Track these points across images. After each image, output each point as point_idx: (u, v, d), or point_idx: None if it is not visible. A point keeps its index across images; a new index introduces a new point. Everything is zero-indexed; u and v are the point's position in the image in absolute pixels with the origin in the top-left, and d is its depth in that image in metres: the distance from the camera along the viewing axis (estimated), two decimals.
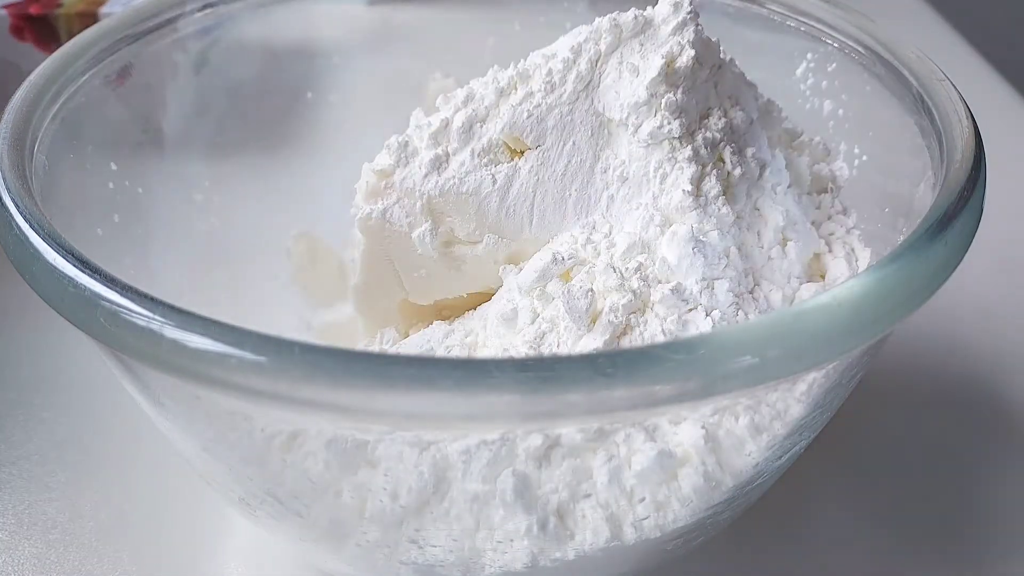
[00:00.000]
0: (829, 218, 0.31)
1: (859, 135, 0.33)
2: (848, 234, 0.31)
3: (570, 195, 0.28)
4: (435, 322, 0.31)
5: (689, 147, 0.27)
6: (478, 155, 0.28)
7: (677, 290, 0.25)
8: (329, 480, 0.24)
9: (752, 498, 0.26)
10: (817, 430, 0.26)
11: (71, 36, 0.29)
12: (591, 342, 0.25)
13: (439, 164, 0.29)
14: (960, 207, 0.22)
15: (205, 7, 0.34)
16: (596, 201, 0.28)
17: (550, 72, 0.28)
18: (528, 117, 0.28)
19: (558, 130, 0.28)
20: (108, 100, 0.31)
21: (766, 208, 0.28)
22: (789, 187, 0.30)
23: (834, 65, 0.34)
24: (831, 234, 0.31)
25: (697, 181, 0.27)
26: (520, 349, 0.25)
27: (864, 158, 0.33)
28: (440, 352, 0.28)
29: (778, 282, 0.28)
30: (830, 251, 0.30)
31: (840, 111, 0.34)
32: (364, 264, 0.31)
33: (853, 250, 0.30)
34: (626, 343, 0.25)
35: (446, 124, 0.29)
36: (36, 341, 0.38)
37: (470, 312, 0.31)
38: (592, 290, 0.25)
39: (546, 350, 0.25)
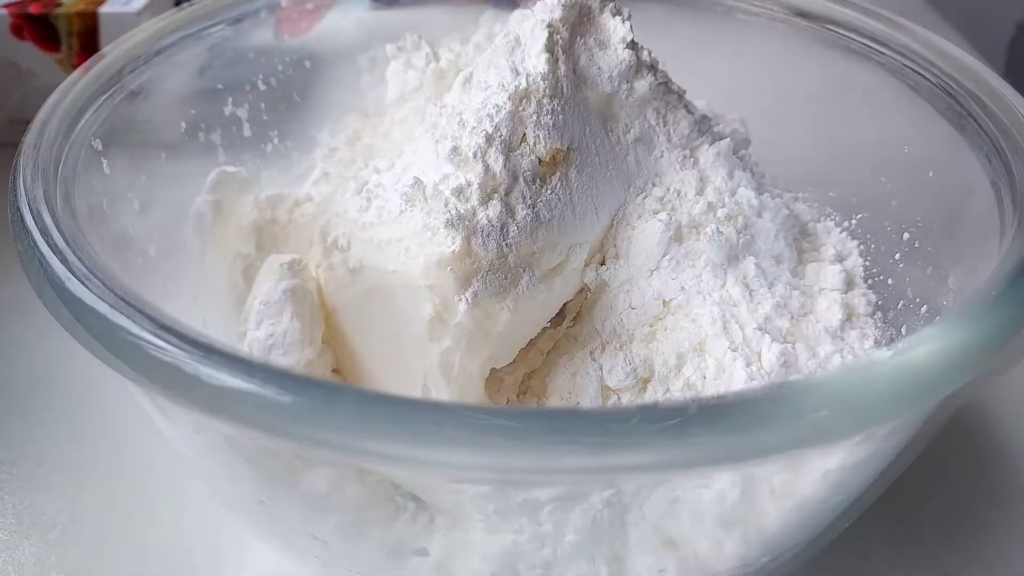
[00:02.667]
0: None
1: None
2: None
3: (611, 174, 0.29)
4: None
5: (669, 87, 0.31)
6: (531, 183, 0.27)
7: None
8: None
9: None
10: None
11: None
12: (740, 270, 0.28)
13: (511, 212, 0.27)
14: None
15: (216, 24, 0.34)
16: (627, 168, 0.30)
17: (544, 76, 0.28)
18: (555, 126, 0.28)
19: (578, 124, 0.29)
20: (127, 117, 0.30)
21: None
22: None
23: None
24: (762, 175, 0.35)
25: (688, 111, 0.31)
26: (711, 310, 0.27)
27: None
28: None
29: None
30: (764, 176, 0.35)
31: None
32: (464, 369, 0.27)
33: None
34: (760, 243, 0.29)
35: (491, 172, 0.27)
36: (36, 341, 0.37)
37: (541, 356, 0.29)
38: (720, 230, 0.28)
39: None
